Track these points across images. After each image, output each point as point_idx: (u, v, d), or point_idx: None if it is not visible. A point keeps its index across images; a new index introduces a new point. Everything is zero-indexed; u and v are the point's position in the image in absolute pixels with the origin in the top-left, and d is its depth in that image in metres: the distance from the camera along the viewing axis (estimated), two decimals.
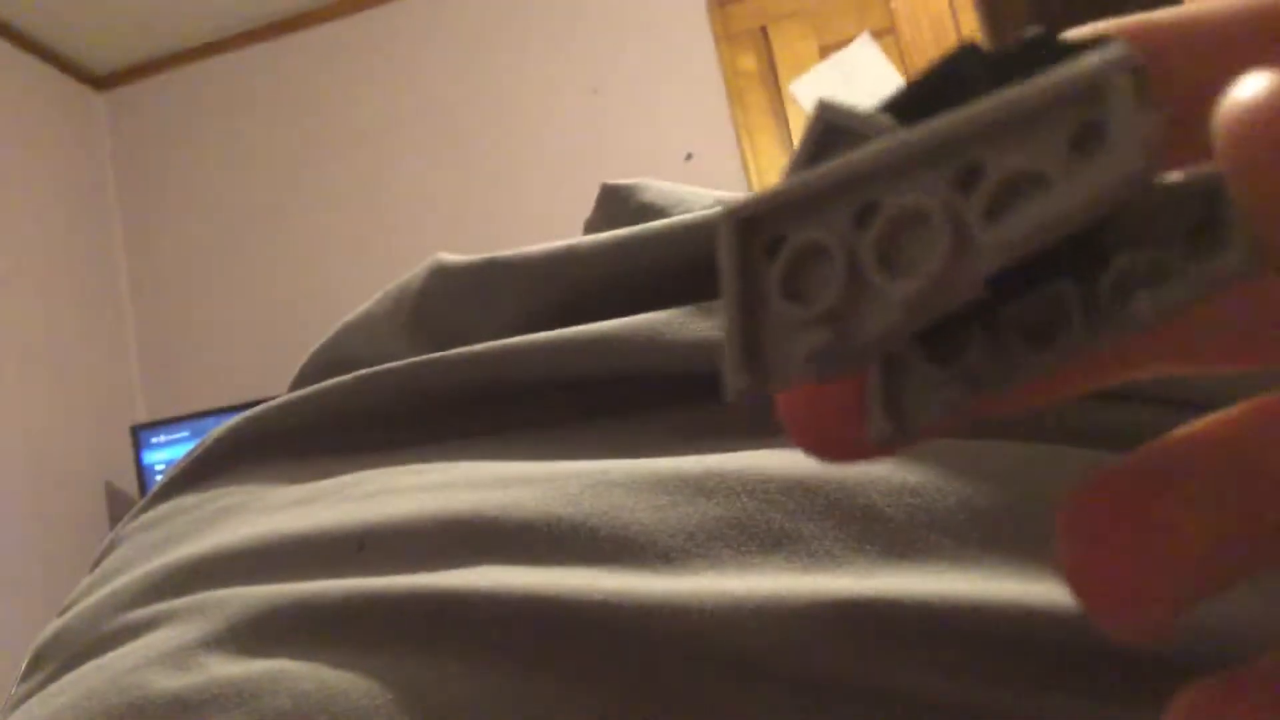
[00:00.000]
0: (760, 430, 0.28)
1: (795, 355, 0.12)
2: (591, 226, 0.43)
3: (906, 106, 0.12)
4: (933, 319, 0.12)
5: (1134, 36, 0.13)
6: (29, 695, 0.28)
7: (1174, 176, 0.12)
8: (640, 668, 0.21)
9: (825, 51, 2.71)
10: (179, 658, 0.24)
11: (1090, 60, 0.11)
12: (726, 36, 2.77)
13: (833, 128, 0.13)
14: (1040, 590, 0.21)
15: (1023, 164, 0.11)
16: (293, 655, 0.23)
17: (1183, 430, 0.13)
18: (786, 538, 0.23)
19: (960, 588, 0.21)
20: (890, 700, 0.20)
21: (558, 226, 2.22)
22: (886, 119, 0.12)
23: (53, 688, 0.27)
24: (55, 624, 0.32)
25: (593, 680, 0.21)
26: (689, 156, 2.66)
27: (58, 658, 0.29)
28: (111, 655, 0.26)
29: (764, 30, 2.78)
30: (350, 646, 0.23)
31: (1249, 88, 0.11)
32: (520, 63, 2.85)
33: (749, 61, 2.77)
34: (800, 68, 2.71)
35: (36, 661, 0.31)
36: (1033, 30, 0.12)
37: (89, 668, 0.27)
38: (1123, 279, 0.12)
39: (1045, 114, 0.11)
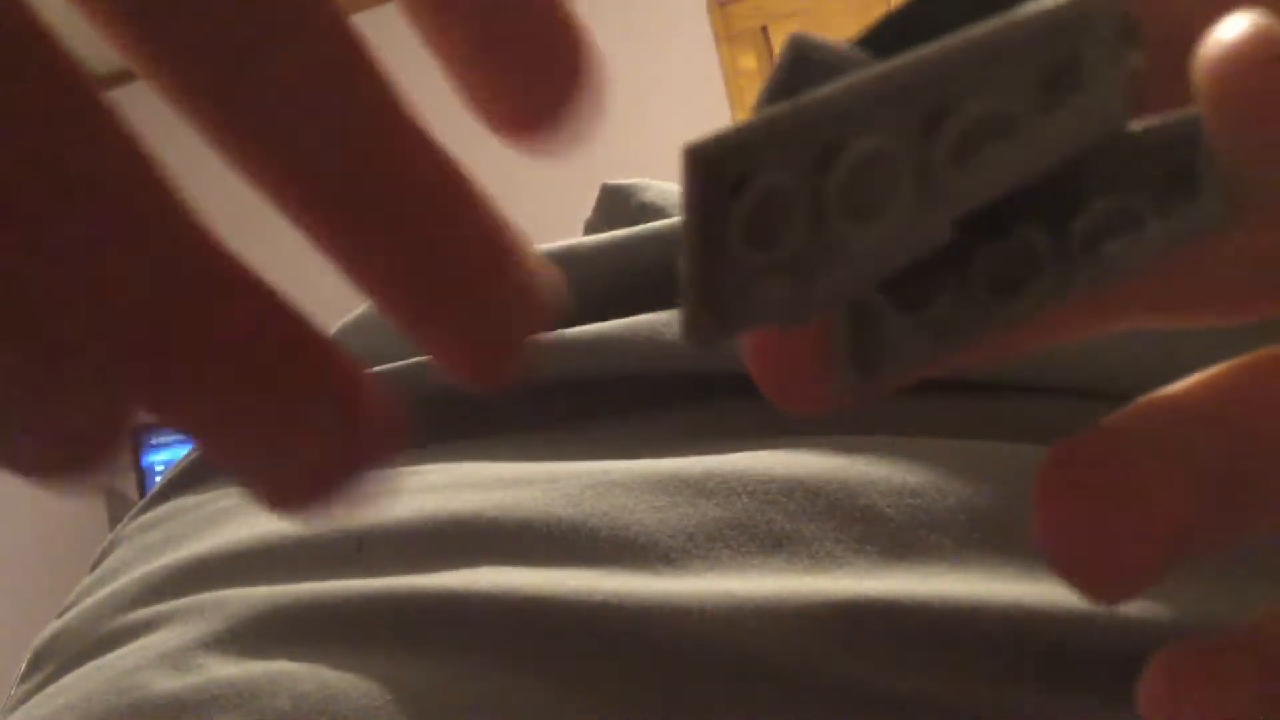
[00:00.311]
0: (762, 431, 0.27)
1: (756, 302, 0.12)
2: (591, 226, 0.43)
3: (882, 41, 0.12)
4: (899, 266, 0.11)
5: None
6: (28, 696, 0.28)
7: (1153, 120, 0.11)
8: (640, 669, 0.21)
9: None
10: (178, 658, 0.24)
11: None
12: (726, 36, 2.77)
13: (804, 60, 0.12)
14: (1041, 591, 0.21)
15: (991, 105, 0.11)
16: (292, 656, 0.23)
17: (1165, 391, 0.13)
18: (787, 539, 0.23)
19: (960, 589, 0.21)
20: (891, 701, 0.20)
21: (558, 226, 2.22)
22: (859, 53, 0.12)
23: (52, 688, 0.27)
24: (54, 625, 0.32)
25: (593, 681, 0.21)
26: None
27: (57, 658, 0.29)
28: (111, 656, 0.26)
29: (764, 30, 2.78)
30: (350, 647, 0.23)
31: (1231, 28, 0.10)
32: None
33: (749, 61, 2.77)
34: None
35: (36, 662, 0.31)
36: None
37: (89, 668, 0.27)
38: (1095, 228, 0.12)
39: (1017, 52, 0.11)
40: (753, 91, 2.74)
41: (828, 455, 0.25)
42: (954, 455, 0.24)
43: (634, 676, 0.21)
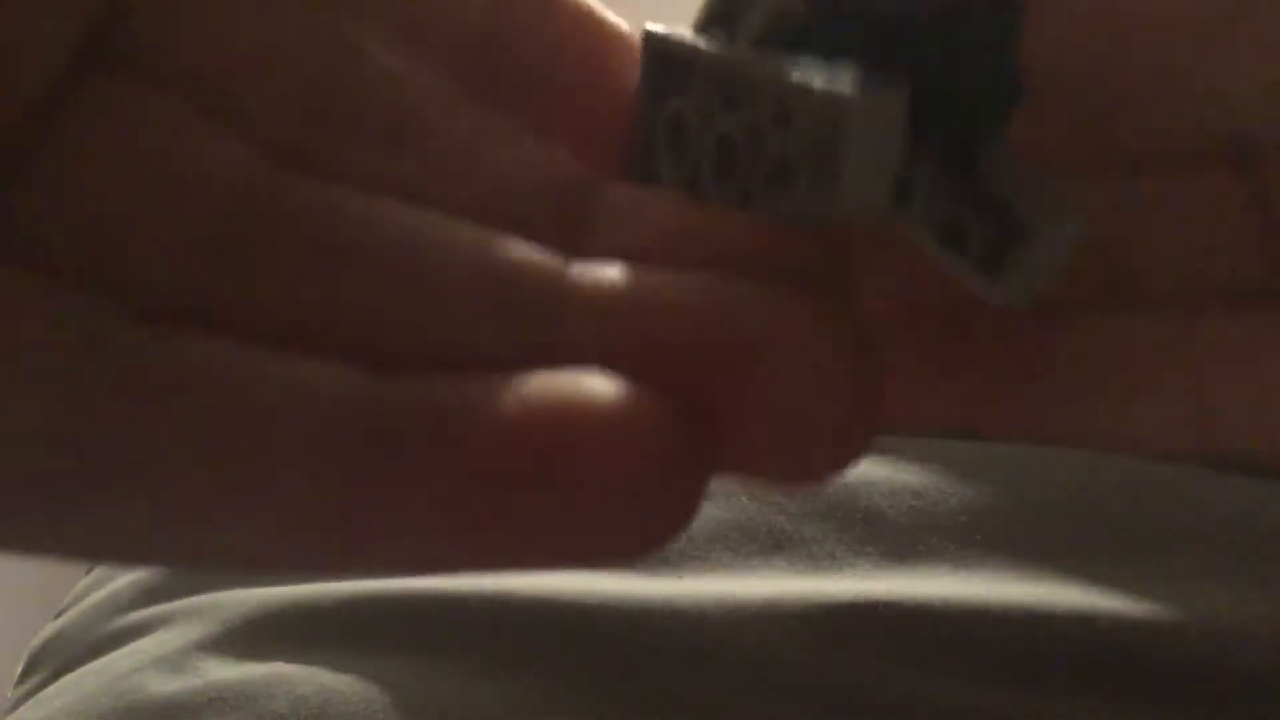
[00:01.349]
0: None
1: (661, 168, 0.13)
2: None
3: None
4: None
5: None
6: (25, 698, 0.28)
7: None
8: (639, 670, 0.21)
9: None
10: (176, 661, 0.24)
11: (839, 81, 0.11)
12: None
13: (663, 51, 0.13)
14: (1042, 592, 0.21)
15: (788, 146, 0.11)
16: (289, 658, 0.23)
17: None
18: (788, 540, 0.23)
19: (962, 590, 0.21)
20: (891, 702, 0.20)
21: None
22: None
23: (49, 691, 0.27)
24: (52, 626, 0.32)
25: (592, 683, 0.21)
26: None
27: (54, 661, 0.29)
28: (108, 658, 0.26)
29: None
30: (347, 649, 0.23)
31: None
32: None
33: None
34: None
35: (33, 664, 0.31)
36: None
37: (85, 671, 0.27)
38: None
39: (795, 109, 0.11)
40: None
41: None
42: (955, 456, 0.24)
43: (633, 678, 0.21)
